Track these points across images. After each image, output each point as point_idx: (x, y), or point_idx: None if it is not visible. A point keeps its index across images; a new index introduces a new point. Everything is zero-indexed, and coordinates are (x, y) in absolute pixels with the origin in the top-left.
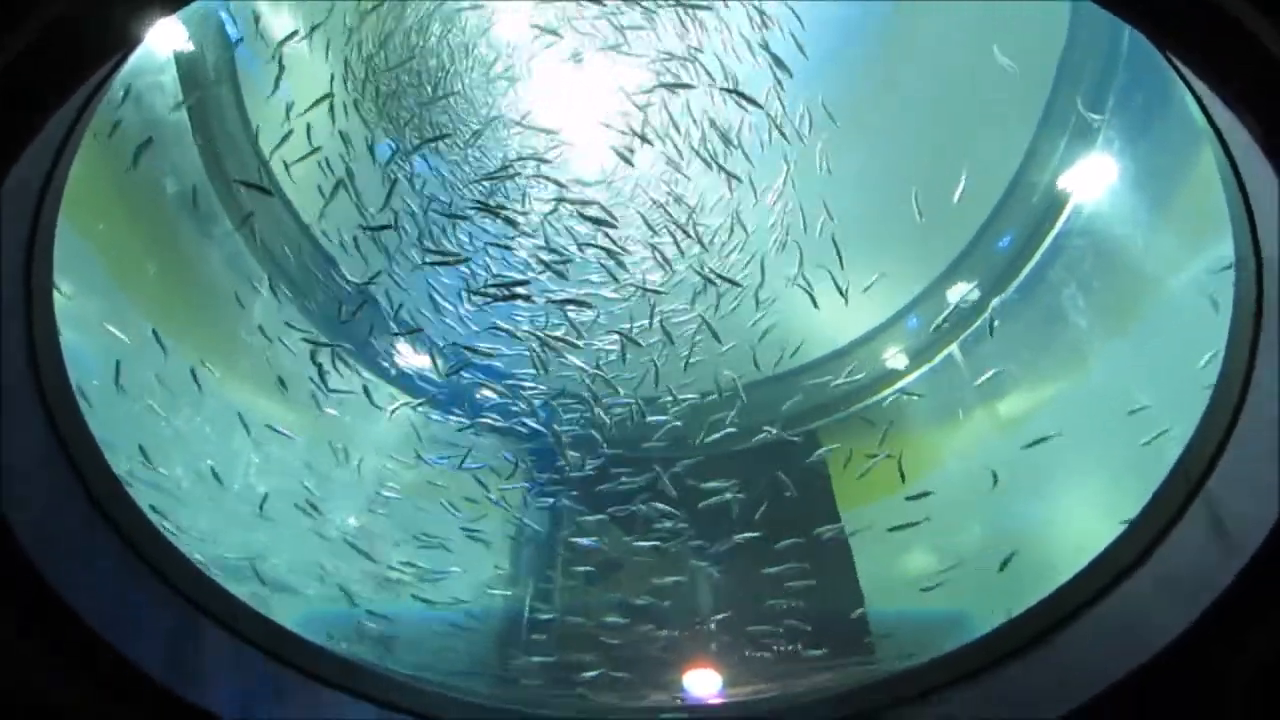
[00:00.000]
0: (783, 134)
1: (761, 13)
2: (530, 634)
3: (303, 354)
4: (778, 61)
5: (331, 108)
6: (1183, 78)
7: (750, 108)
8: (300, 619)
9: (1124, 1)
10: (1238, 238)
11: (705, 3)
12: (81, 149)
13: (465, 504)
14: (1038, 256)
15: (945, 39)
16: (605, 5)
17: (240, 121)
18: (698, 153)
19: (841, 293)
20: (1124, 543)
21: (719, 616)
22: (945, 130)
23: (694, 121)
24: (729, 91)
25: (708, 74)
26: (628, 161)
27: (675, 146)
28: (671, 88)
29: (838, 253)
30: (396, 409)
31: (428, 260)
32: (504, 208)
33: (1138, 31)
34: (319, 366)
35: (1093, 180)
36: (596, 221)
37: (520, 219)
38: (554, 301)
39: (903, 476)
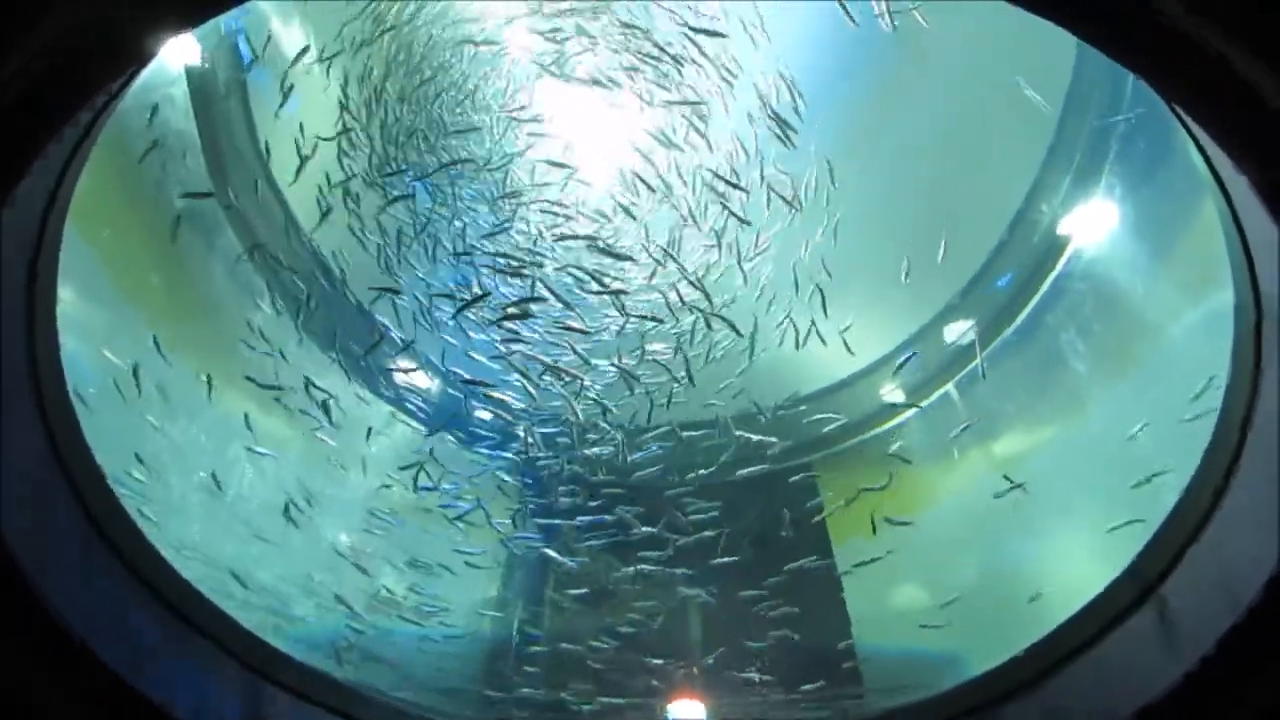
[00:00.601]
0: (785, 200)
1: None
2: (518, 658)
3: (301, 367)
4: (782, 123)
5: (345, 136)
6: (1186, 127)
7: (750, 162)
8: (293, 639)
9: (1130, 52)
10: (1238, 287)
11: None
12: (90, 160)
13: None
14: (1037, 298)
15: (947, 80)
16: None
17: (248, 136)
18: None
19: (821, 338)
20: (1120, 587)
21: (705, 645)
22: (945, 170)
23: (682, 180)
24: (717, 177)
25: (699, 133)
26: (629, 214)
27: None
28: (681, 104)
29: (823, 301)
30: (412, 470)
31: (456, 311)
32: (514, 259)
33: (1142, 81)
34: (324, 405)
35: (1094, 224)
36: (612, 255)
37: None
38: (561, 328)
39: (874, 528)
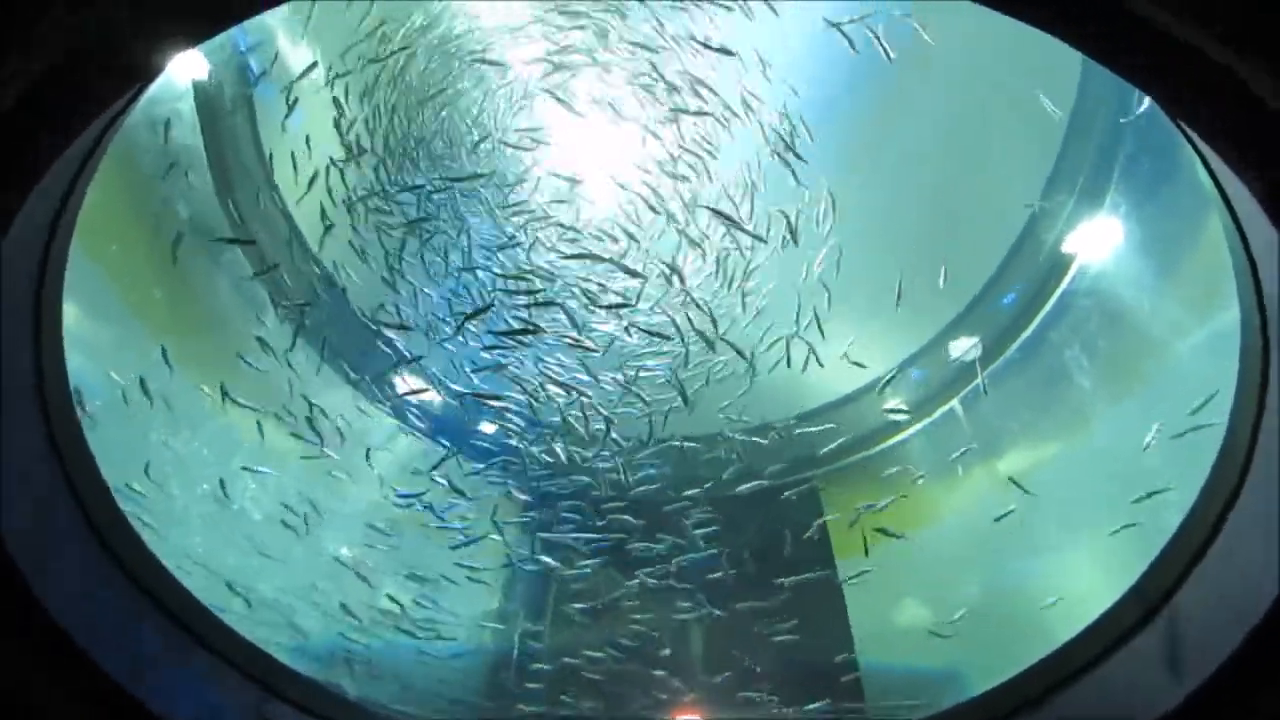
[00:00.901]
0: (787, 219)
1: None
2: (520, 671)
3: (306, 384)
4: (791, 150)
5: (355, 158)
6: (1192, 144)
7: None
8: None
9: (1137, 68)
10: (1243, 303)
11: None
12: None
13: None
14: (1042, 315)
15: (953, 95)
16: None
17: (254, 150)
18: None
19: (818, 360)
20: (1127, 604)
21: (707, 661)
22: (952, 186)
23: (685, 207)
24: (723, 217)
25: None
26: (632, 237)
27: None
28: (688, 113)
29: (819, 325)
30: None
31: (458, 320)
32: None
33: (1148, 96)
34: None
35: (1099, 241)
36: (627, 271)
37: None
38: (572, 345)
39: (866, 550)
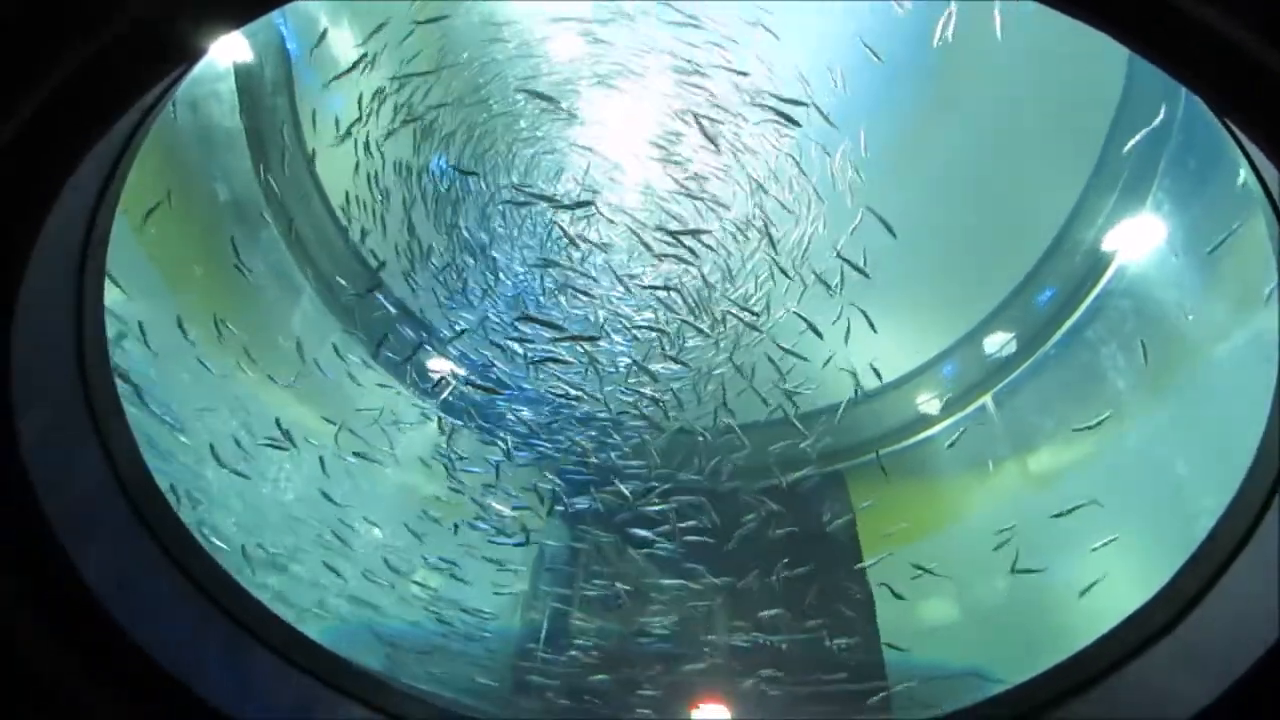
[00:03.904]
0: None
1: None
2: (542, 654)
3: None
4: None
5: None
6: (1240, 144)
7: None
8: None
9: (1186, 66)
10: None
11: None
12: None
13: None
14: (1079, 313)
15: (996, 87)
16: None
17: (294, 133)
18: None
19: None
20: (1150, 610)
21: (729, 649)
22: (993, 180)
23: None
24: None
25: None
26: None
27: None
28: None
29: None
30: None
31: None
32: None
33: (1196, 96)
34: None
35: (1140, 240)
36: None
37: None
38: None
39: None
